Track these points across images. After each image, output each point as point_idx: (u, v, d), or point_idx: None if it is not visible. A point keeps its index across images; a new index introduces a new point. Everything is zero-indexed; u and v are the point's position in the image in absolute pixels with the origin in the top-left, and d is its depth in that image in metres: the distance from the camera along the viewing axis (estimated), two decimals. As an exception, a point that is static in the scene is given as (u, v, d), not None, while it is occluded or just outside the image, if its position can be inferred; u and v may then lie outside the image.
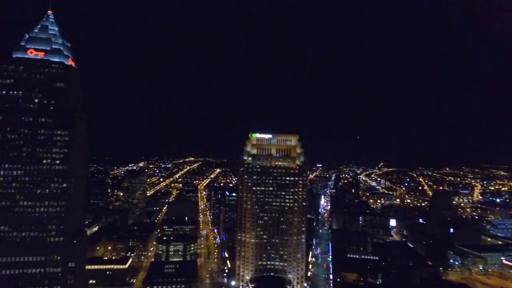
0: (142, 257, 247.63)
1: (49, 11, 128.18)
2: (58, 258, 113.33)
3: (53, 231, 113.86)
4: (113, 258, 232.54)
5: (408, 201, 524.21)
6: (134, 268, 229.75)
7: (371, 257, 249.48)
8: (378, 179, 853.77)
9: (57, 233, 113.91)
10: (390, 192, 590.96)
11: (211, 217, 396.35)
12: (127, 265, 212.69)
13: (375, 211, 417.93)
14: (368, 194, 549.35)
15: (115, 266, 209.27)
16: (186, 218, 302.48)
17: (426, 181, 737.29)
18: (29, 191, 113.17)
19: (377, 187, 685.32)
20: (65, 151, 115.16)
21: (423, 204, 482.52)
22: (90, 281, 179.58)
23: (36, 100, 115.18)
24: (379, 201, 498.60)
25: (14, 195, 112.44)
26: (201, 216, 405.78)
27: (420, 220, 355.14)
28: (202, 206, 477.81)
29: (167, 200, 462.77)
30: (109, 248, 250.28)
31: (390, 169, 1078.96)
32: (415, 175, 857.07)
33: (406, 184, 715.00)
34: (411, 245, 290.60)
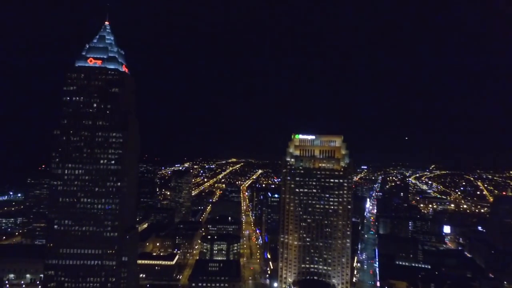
0: (188, 255, 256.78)
1: (106, 22, 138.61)
2: (113, 252, 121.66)
3: (108, 226, 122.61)
4: (161, 254, 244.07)
5: (465, 206, 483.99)
6: (180, 265, 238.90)
7: (423, 266, 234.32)
8: (430, 182, 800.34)
9: (112, 228, 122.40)
10: (443, 197, 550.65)
11: (253, 217, 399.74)
12: (174, 262, 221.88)
13: (426, 217, 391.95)
14: (418, 198, 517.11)
15: (163, 262, 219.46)
16: (229, 218, 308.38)
17: (486, 185, 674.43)
18: (89, 189, 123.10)
19: (429, 191, 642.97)
20: (119, 152, 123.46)
21: (482, 211, 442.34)
22: (140, 275, 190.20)
23: (95, 105, 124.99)
24: (430, 206, 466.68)
25: (76, 192, 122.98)
26: (243, 216, 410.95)
27: (479, 228, 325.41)
28: (245, 207, 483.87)
29: (211, 200, 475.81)
30: (157, 244, 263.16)
31: (443, 172, 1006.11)
32: (472, 178, 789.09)
33: (461, 188, 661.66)
34: (468, 255, 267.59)
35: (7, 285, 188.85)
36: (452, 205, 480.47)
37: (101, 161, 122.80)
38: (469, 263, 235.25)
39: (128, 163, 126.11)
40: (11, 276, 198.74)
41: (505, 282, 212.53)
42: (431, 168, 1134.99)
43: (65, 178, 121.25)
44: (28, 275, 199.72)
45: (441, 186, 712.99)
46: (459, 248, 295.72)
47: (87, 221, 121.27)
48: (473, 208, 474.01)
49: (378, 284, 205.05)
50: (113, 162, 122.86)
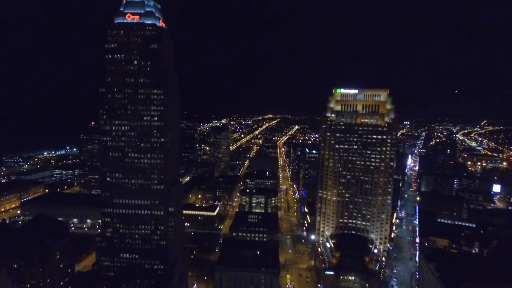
0: (228, 207, 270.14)
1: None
2: (160, 203, 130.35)
3: (155, 179, 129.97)
4: (203, 205, 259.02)
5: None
6: (221, 216, 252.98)
7: (467, 224, 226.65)
8: (480, 139, 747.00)
9: (158, 181, 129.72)
10: (494, 154, 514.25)
11: (290, 173, 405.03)
12: (215, 213, 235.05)
13: (474, 175, 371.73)
14: (465, 155, 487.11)
15: (206, 213, 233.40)
16: (267, 172, 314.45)
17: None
18: (135, 144, 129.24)
19: (478, 148, 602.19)
20: (161, 109, 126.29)
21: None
22: (186, 224, 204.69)
23: (135, 62, 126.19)
24: (479, 163, 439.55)
25: (124, 147, 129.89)
26: (280, 171, 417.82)
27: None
28: (281, 162, 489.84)
29: (248, 155, 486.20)
30: (199, 196, 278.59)
31: (496, 128, 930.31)
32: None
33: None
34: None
35: (73, 228, 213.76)
36: (504, 163, 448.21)
37: (145, 118, 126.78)
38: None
39: (170, 120, 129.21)
40: (75, 220, 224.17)
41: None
42: (482, 123, 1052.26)
43: (113, 134, 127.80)
44: (88, 220, 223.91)
45: (492, 143, 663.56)
46: (510, 208, 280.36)
47: (135, 174, 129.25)
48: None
49: (417, 240, 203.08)
50: (155, 118, 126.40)
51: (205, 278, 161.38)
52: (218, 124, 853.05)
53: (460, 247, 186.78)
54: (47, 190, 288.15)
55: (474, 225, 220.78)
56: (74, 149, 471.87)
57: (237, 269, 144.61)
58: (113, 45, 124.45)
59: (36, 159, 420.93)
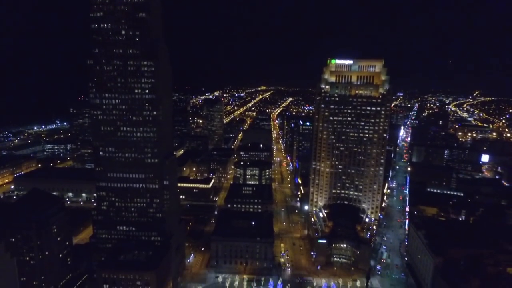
0: (222, 179, 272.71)
1: None
2: (155, 176, 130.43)
3: (149, 153, 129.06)
4: (198, 178, 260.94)
5: (508, 135, 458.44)
6: (216, 188, 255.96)
7: (455, 193, 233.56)
8: (471, 109, 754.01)
9: (152, 155, 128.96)
10: (485, 125, 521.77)
11: (284, 145, 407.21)
12: (210, 185, 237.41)
13: (464, 145, 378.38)
14: (457, 126, 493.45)
15: (200, 185, 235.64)
16: (261, 145, 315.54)
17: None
18: (127, 118, 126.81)
19: (469, 119, 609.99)
20: (152, 81, 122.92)
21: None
22: (181, 196, 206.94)
23: (123, 32, 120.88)
24: (470, 134, 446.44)
25: (115, 121, 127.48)
26: (274, 143, 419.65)
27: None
28: (275, 134, 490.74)
29: (242, 128, 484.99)
30: (194, 169, 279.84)
31: (488, 99, 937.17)
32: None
33: (507, 116, 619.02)
34: (506, 183, 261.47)
35: (68, 202, 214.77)
36: (494, 134, 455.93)
37: (136, 91, 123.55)
38: (505, 192, 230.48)
39: (162, 92, 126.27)
40: (70, 194, 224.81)
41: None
42: (474, 94, 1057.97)
43: (104, 107, 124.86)
44: (83, 194, 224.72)
45: (483, 114, 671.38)
46: (497, 177, 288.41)
47: (129, 148, 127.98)
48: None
49: (407, 209, 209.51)
50: (147, 91, 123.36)
51: (202, 249, 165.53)
52: (211, 97, 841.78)
53: (448, 215, 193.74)
54: (39, 165, 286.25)
55: (462, 194, 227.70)
56: (65, 123, 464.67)
57: (233, 239, 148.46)
58: (99, 14, 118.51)
59: (26, 134, 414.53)
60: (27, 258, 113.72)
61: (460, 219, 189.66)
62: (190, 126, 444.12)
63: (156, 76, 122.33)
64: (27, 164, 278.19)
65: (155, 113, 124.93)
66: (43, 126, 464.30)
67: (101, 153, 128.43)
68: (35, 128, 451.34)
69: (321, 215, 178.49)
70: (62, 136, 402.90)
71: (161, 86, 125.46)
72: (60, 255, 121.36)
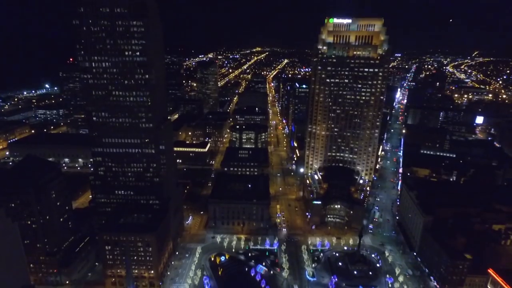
0: (218, 143, 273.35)
1: None
2: (151, 141, 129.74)
3: (143, 118, 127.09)
4: (194, 142, 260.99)
5: (504, 96, 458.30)
6: (212, 152, 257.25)
7: (448, 155, 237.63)
8: (469, 70, 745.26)
9: (147, 120, 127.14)
10: (481, 86, 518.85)
11: (280, 108, 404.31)
12: (206, 149, 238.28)
13: (460, 107, 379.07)
14: (453, 88, 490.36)
15: (197, 149, 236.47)
16: (256, 108, 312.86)
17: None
18: (118, 82, 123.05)
19: (466, 80, 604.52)
20: (142, 43, 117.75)
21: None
22: (178, 160, 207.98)
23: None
24: (466, 96, 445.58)
25: (107, 85, 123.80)
26: (269, 107, 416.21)
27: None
28: (271, 97, 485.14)
29: (237, 91, 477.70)
30: (189, 133, 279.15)
31: (486, 59, 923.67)
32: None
33: (504, 77, 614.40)
34: (497, 145, 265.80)
35: (65, 167, 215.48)
36: (490, 96, 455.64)
37: (126, 53, 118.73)
38: (496, 153, 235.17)
39: (153, 54, 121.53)
40: (66, 160, 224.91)
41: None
42: (473, 55, 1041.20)
43: (94, 71, 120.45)
44: (80, 160, 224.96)
45: (481, 75, 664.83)
46: (489, 138, 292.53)
47: (122, 113, 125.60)
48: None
49: (400, 170, 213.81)
50: (137, 53, 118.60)
51: (200, 212, 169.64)
52: (204, 59, 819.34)
53: (439, 176, 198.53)
54: (33, 131, 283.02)
55: (454, 156, 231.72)
56: (55, 88, 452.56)
57: (230, 201, 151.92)
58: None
59: (16, 99, 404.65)
60: (29, 223, 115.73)
61: (451, 180, 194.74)
62: (184, 89, 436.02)
63: (147, 37, 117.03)
64: (20, 130, 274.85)
65: (147, 76, 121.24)
66: (33, 91, 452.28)
67: (94, 118, 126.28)
68: (25, 93, 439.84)
69: (316, 177, 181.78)
70: (53, 101, 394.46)
71: (152, 48, 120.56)
72: (61, 219, 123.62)
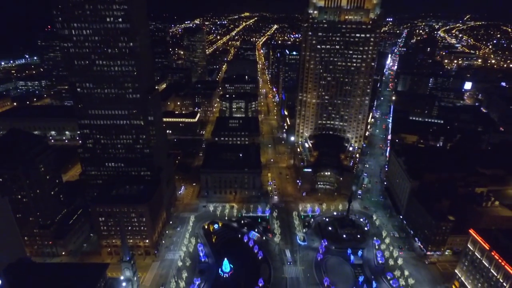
0: (208, 112, 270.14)
1: None
2: (139, 112, 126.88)
3: (129, 88, 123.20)
4: (183, 112, 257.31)
5: (493, 61, 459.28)
6: (202, 122, 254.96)
7: (436, 121, 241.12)
8: (460, 35, 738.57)
9: (133, 90, 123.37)
10: (471, 51, 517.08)
11: (270, 76, 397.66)
12: (196, 119, 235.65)
13: (450, 73, 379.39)
14: (444, 53, 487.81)
15: (186, 120, 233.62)
16: (246, 76, 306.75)
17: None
18: (101, 50, 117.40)
19: (457, 45, 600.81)
20: (124, 8, 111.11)
21: (511, 65, 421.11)
22: (167, 131, 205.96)
23: None
24: (456, 61, 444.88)
25: (89, 54, 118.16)
26: (259, 75, 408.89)
27: (503, 84, 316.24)
28: (260, 65, 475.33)
29: (225, 59, 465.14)
30: (178, 103, 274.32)
31: (478, 23, 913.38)
32: (510, 29, 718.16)
33: (494, 41, 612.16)
34: (484, 110, 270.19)
35: (52, 140, 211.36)
36: (479, 61, 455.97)
37: (108, 19, 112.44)
38: (482, 118, 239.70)
39: (137, 21, 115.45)
40: (53, 132, 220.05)
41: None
42: (465, 18, 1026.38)
43: (74, 39, 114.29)
44: (67, 132, 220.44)
45: (471, 40, 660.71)
46: (476, 104, 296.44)
47: (107, 83, 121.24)
48: (502, 63, 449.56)
49: (389, 137, 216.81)
50: (120, 19, 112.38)
51: (193, 183, 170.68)
52: (191, 25, 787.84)
53: (427, 142, 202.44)
54: (15, 103, 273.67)
55: (442, 122, 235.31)
56: (35, 58, 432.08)
57: (221, 171, 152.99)
58: None
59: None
60: (19, 197, 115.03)
61: (438, 145, 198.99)
62: (171, 58, 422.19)
63: (129, 1, 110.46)
64: (1, 102, 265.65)
65: (131, 44, 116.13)
66: (11, 61, 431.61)
67: (78, 89, 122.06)
68: (3, 63, 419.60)
69: (306, 145, 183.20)
70: (34, 72, 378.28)
71: (136, 14, 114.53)
72: (52, 192, 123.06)
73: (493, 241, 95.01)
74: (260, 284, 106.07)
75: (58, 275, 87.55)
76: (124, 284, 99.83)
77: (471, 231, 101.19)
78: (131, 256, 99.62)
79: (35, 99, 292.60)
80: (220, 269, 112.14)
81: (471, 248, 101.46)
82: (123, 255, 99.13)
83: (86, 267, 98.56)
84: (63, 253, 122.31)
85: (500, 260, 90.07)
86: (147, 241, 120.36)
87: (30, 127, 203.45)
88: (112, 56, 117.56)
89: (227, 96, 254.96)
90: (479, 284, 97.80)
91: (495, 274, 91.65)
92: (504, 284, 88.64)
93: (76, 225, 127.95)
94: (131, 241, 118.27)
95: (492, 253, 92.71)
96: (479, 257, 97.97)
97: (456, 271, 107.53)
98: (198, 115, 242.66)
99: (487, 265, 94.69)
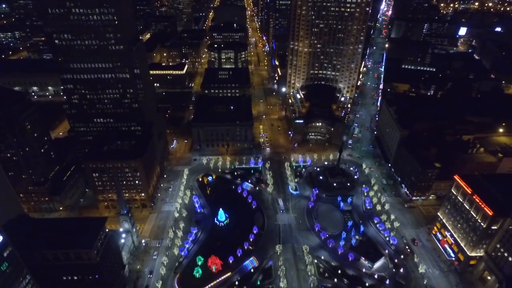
0: (196, 64, 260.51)
1: None
2: (123, 65, 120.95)
3: (111, 39, 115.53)
4: (170, 64, 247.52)
5: (490, 4, 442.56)
6: (191, 74, 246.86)
7: (428, 69, 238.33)
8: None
9: (116, 41, 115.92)
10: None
11: (259, 23, 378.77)
12: (184, 71, 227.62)
13: (445, 18, 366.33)
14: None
15: (174, 72, 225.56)
16: (235, 24, 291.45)
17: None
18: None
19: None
20: None
21: (508, 9, 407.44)
22: (155, 84, 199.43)
23: None
24: (452, 5, 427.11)
25: (64, 2, 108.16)
26: (248, 22, 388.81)
27: (498, 29, 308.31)
28: (249, 12, 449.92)
29: (212, 5, 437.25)
30: (164, 54, 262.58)
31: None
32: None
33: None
34: (477, 57, 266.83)
35: (35, 97, 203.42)
36: (476, 4, 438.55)
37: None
38: (474, 66, 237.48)
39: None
40: (35, 88, 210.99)
41: (503, 82, 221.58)
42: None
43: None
44: (50, 88, 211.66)
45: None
46: (469, 50, 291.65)
47: (87, 34, 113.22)
48: (499, 6, 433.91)
49: (381, 86, 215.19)
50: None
51: (185, 139, 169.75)
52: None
53: (418, 91, 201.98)
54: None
55: (434, 69, 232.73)
56: (3, 6, 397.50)
57: (213, 124, 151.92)
58: None
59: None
60: (8, 155, 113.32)
61: (429, 94, 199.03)
62: (154, 4, 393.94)
63: None
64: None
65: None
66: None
67: (56, 41, 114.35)
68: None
69: (298, 96, 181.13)
70: (4, 21, 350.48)
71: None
72: (42, 150, 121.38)
73: (475, 186, 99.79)
74: (255, 231, 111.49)
75: (58, 229, 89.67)
76: (124, 235, 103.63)
77: (456, 177, 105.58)
78: (128, 210, 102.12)
79: (10, 52, 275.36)
80: (215, 219, 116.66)
81: (454, 193, 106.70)
82: (120, 209, 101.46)
83: (85, 221, 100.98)
84: (61, 208, 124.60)
85: (480, 203, 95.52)
86: (142, 194, 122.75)
87: (10, 83, 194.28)
88: (89, 3, 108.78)
89: (215, 46, 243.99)
90: (459, 225, 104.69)
91: (474, 215, 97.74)
92: (482, 224, 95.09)
93: (71, 181, 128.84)
94: (127, 195, 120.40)
95: (474, 197, 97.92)
96: (461, 200, 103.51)
97: (438, 213, 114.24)
98: (186, 66, 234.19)
99: (468, 208, 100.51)
